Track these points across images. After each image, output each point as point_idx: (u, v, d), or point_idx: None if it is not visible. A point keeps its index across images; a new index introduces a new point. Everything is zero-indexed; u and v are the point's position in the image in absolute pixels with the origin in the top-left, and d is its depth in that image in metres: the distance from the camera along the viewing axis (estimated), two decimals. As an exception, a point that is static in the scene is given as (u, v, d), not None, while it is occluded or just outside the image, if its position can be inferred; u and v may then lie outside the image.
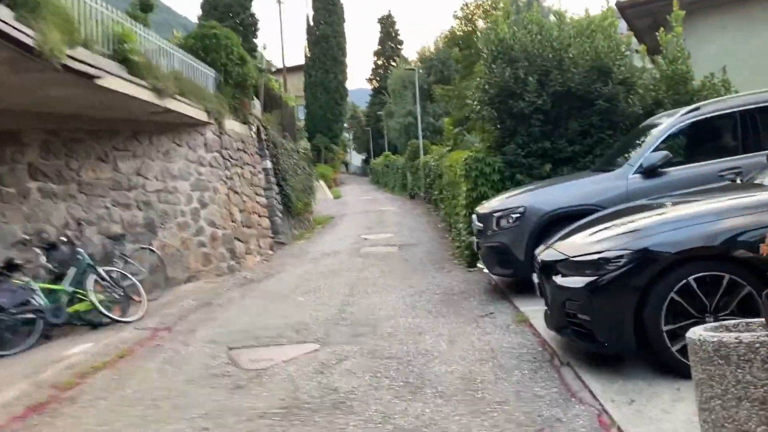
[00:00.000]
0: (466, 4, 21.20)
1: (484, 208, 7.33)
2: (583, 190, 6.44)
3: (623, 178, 6.24)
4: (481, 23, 21.24)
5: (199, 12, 43.65)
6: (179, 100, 9.50)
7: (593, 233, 4.27)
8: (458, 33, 21.62)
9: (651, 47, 9.64)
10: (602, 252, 3.85)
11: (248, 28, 44.21)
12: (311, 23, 54.38)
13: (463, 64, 22.11)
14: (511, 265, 6.59)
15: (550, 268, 4.33)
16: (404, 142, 39.71)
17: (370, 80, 65.01)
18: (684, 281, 3.58)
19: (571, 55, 8.72)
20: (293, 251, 13.78)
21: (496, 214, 6.74)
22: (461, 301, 7.13)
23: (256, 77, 13.05)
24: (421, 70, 35.60)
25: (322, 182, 42.13)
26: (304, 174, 19.94)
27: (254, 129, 13.86)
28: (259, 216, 13.12)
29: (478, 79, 9.60)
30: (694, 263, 3.63)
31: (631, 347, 3.77)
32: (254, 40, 44.52)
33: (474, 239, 7.85)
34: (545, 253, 4.58)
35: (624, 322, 3.71)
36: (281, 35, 31.33)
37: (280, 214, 15.32)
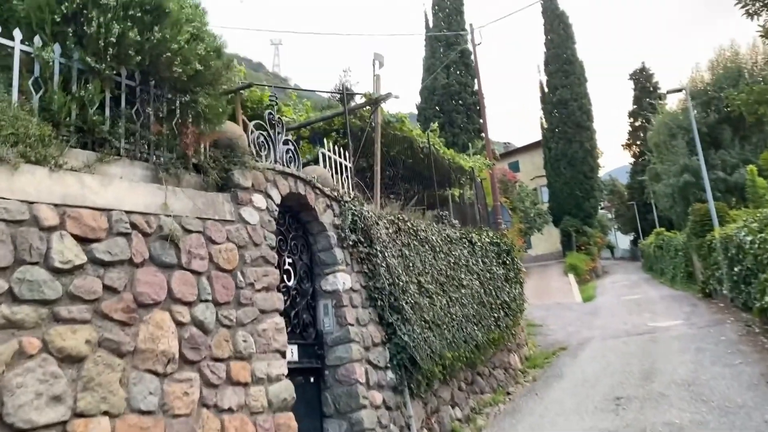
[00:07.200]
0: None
1: None
2: None
3: None
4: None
5: (418, 100, 39.70)
6: None
7: None
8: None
9: None
10: None
11: (471, 107, 38.67)
12: (546, 90, 46.52)
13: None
14: None
15: None
16: (680, 211, 27.81)
17: (627, 145, 53.14)
18: None
19: None
20: None
21: None
22: None
23: (222, 65, 5.05)
24: (695, 110, 24.40)
25: (571, 277, 31.95)
26: (492, 282, 10.99)
27: (267, 206, 5.89)
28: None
29: None
30: None
31: None
32: (479, 119, 38.51)
33: None
34: None
35: None
36: (479, 85, 23.88)
37: (375, 399, 6.73)
